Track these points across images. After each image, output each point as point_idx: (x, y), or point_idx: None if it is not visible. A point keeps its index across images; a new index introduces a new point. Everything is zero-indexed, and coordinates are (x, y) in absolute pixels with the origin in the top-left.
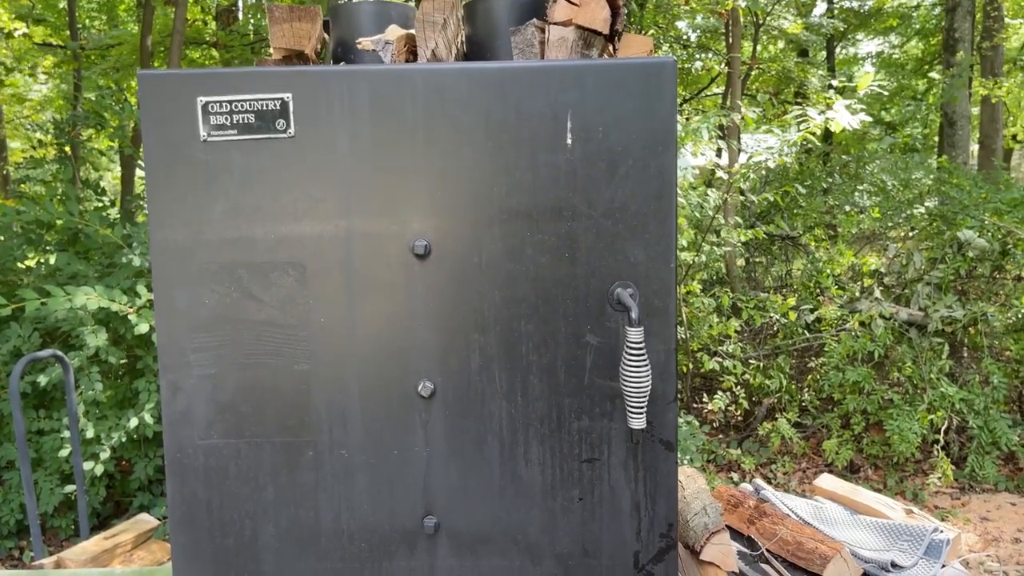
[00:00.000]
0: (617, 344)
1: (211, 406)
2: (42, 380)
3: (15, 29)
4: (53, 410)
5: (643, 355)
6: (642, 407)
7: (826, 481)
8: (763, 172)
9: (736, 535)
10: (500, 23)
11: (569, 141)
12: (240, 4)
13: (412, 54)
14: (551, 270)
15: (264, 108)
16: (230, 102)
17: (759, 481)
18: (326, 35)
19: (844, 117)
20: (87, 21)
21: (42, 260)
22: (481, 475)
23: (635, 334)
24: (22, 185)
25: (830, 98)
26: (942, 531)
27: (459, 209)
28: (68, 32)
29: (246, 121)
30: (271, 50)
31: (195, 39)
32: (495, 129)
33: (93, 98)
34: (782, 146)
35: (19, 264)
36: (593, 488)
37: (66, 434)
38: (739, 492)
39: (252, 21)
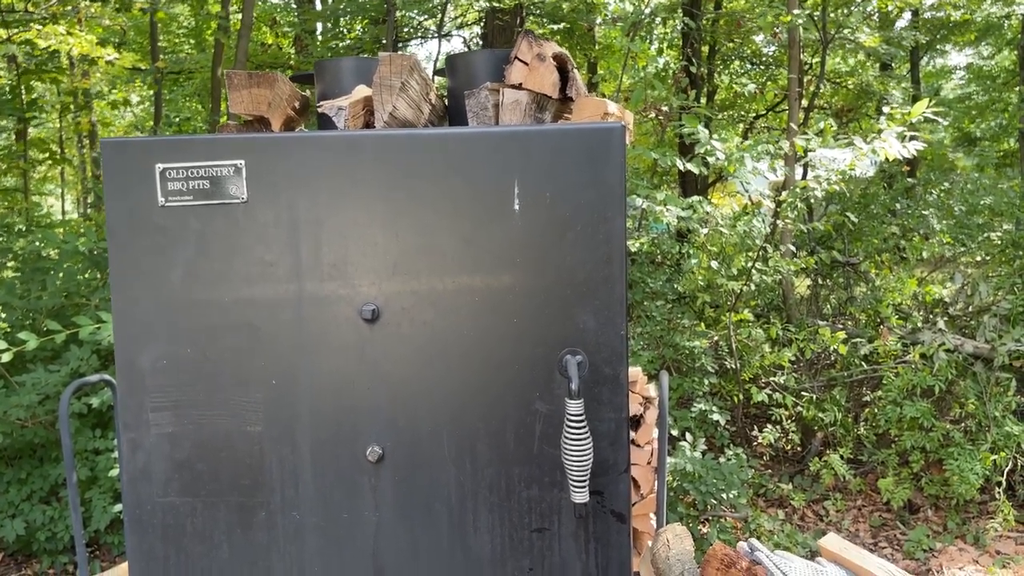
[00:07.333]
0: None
1: (169, 464)
2: (94, 402)
3: (100, 56)
4: (109, 430)
5: (583, 427)
6: (584, 481)
7: (832, 542)
8: (816, 198)
9: None
10: (478, 77)
11: (516, 207)
12: (319, 28)
13: (373, 115)
14: (499, 336)
15: (218, 174)
16: (186, 168)
17: (754, 541)
18: (309, 91)
19: (895, 147)
20: (175, 45)
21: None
22: (430, 542)
23: (575, 406)
24: (90, 210)
25: (908, 113)
26: None
27: (407, 274)
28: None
29: (201, 187)
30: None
31: (272, 63)
32: (443, 195)
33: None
34: (828, 175)
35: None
36: (543, 559)
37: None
38: (734, 552)
39: (332, 44)
